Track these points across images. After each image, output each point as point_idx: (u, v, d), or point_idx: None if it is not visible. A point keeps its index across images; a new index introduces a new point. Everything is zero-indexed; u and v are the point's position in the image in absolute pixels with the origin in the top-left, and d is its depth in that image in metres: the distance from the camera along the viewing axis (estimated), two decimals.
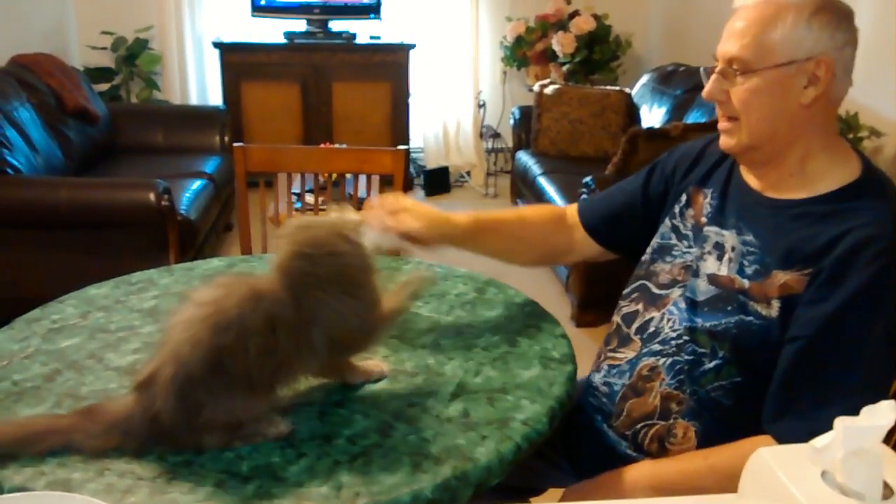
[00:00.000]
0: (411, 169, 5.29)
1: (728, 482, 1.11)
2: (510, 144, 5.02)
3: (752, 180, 1.32)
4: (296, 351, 1.11)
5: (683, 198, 1.42)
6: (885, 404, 0.74)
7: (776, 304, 1.20)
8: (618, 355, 1.39)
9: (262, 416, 1.11)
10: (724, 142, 1.30)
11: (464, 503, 1.05)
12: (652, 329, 1.35)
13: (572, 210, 1.59)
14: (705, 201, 1.37)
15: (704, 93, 1.29)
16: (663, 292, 1.37)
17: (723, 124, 1.29)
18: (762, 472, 0.81)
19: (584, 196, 3.17)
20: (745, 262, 1.25)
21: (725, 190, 1.36)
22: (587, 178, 3.20)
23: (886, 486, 0.75)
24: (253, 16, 5.01)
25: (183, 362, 1.06)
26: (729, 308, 1.25)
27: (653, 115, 4.27)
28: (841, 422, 0.74)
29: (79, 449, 1.06)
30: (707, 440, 1.25)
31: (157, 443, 1.08)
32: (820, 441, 0.76)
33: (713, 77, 1.27)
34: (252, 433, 1.11)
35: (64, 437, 1.07)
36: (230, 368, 1.06)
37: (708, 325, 1.26)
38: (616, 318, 1.45)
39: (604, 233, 1.54)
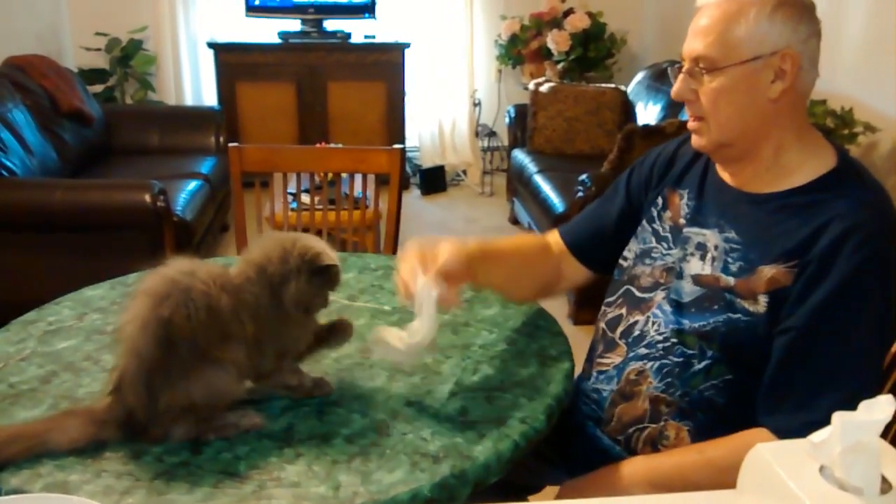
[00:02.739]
0: (407, 168, 5.29)
1: (724, 476, 1.11)
2: (506, 143, 5.02)
3: (727, 177, 1.32)
4: (240, 321, 1.11)
5: (660, 200, 1.41)
6: (882, 399, 0.74)
7: (763, 299, 1.20)
8: (605, 361, 1.38)
9: (236, 408, 1.13)
10: (696, 141, 1.30)
11: (462, 501, 1.05)
12: (637, 333, 1.34)
13: (553, 239, 1.55)
14: (682, 202, 1.37)
15: (673, 93, 1.29)
16: (646, 295, 1.36)
17: (692, 124, 1.29)
18: (760, 467, 0.81)
19: (580, 202, 3.17)
20: (729, 260, 1.25)
21: (702, 189, 1.35)
22: (583, 176, 3.21)
23: (884, 480, 0.75)
24: (247, 16, 5.01)
25: (138, 352, 1.06)
26: (715, 307, 1.24)
27: (648, 113, 4.28)
28: (839, 416, 0.74)
29: (57, 448, 1.06)
30: (701, 439, 1.25)
31: (135, 437, 1.09)
32: (818, 436, 0.76)
33: (680, 77, 1.27)
34: (225, 424, 1.11)
35: (38, 440, 1.06)
36: (176, 338, 1.06)
37: (696, 325, 1.26)
38: (601, 324, 1.44)
39: (593, 252, 1.51)
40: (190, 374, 1.08)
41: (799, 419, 1.13)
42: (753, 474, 0.82)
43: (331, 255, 1.16)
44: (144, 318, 1.07)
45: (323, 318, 1.45)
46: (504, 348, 1.37)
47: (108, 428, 1.09)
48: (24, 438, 1.07)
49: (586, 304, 3.28)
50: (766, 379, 1.19)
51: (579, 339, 1.48)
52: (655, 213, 1.41)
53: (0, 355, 1.34)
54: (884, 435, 0.76)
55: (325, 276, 1.16)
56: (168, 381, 1.07)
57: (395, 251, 2.27)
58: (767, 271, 1.20)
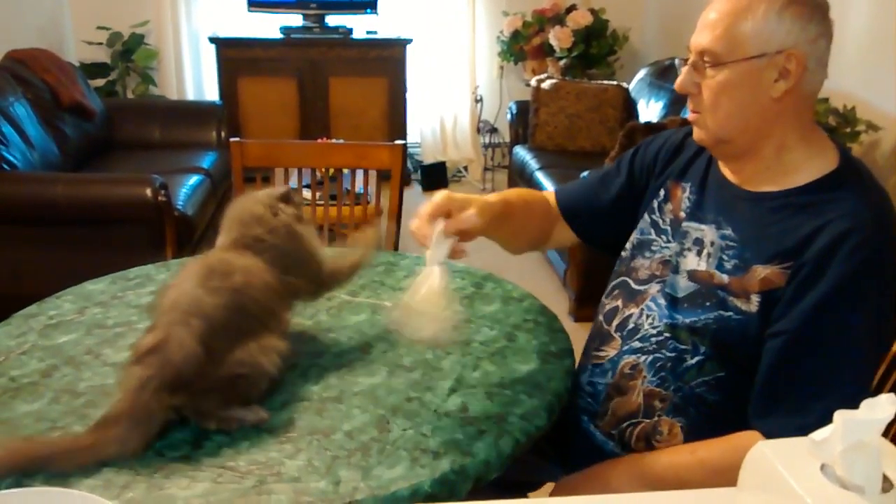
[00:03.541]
0: (409, 164, 5.28)
1: (716, 477, 1.11)
2: (507, 139, 5.01)
3: (729, 173, 1.31)
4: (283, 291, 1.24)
5: (662, 192, 1.40)
6: (884, 398, 0.74)
7: (756, 299, 1.19)
8: (600, 354, 1.38)
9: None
10: (696, 134, 1.29)
11: (462, 497, 1.05)
12: (631, 326, 1.34)
13: (552, 198, 1.56)
14: (684, 195, 1.36)
15: (676, 85, 1.28)
16: (641, 288, 1.35)
17: (691, 116, 1.28)
18: (761, 466, 0.81)
19: None
20: (725, 257, 1.24)
21: (704, 184, 1.34)
22: (584, 173, 3.20)
23: (886, 479, 0.74)
24: (249, 11, 5.00)
25: (206, 314, 1.11)
26: (708, 304, 1.24)
27: (650, 110, 4.27)
28: (840, 415, 0.74)
29: (117, 459, 1.04)
30: (694, 436, 1.25)
31: (175, 406, 1.09)
32: (819, 434, 0.76)
33: (684, 69, 1.26)
34: (231, 417, 1.12)
35: (92, 454, 1.04)
36: (247, 305, 1.15)
37: (688, 321, 1.25)
38: (599, 317, 1.44)
39: (589, 228, 1.52)
40: (257, 339, 1.14)
41: (791, 423, 1.11)
42: (754, 472, 0.82)
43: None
44: (215, 286, 1.14)
45: (324, 314, 1.46)
46: (505, 345, 1.37)
47: (154, 422, 1.07)
48: (83, 451, 1.04)
49: (587, 301, 3.28)
50: (758, 382, 1.18)
51: (580, 336, 1.48)
52: (657, 205, 1.40)
53: (1, 349, 1.34)
54: (885, 434, 0.76)
55: (291, 199, 1.31)
56: (234, 343, 1.12)
57: (396, 247, 2.26)
58: (761, 271, 1.19)
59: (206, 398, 1.10)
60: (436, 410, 1.17)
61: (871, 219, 1.15)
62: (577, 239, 1.55)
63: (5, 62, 3.77)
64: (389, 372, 1.27)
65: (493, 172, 5.33)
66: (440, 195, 1.25)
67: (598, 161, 3.48)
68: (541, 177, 3.99)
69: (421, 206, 1.25)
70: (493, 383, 1.25)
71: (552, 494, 1.38)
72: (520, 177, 4.38)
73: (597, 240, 1.54)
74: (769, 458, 0.80)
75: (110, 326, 1.42)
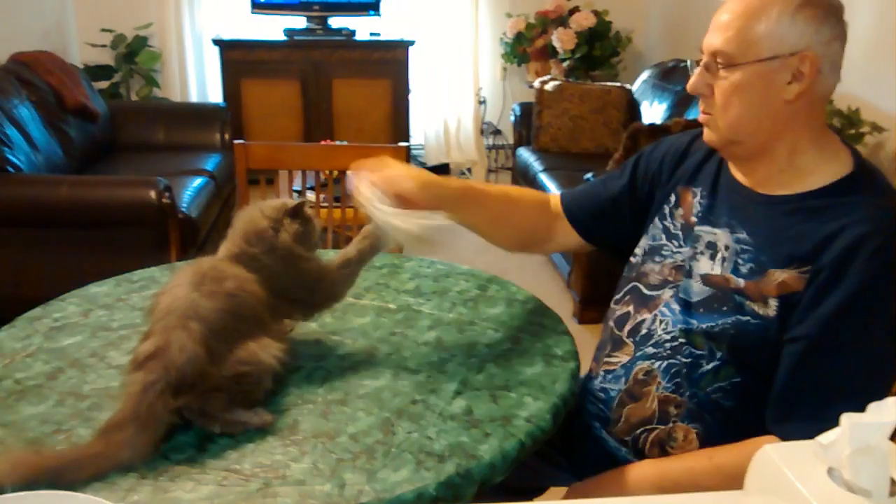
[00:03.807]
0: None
1: (733, 483, 1.09)
2: (511, 141, 5.02)
3: (741, 176, 1.30)
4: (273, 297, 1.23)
5: (672, 198, 1.40)
6: (891, 401, 0.74)
7: (774, 303, 1.18)
8: (612, 360, 1.37)
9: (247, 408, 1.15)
10: (706, 135, 1.29)
11: (467, 501, 1.05)
12: (644, 331, 1.33)
13: (555, 199, 1.56)
14: (695, 200, 1.35)
15: (688, 86, 1.27)
16: (654, 293, 1.35)
17: (703, 118, 1.28)
18: (768, 469, 0.80)
19: None
20: (740, 261, 1.24)
21: (715, 187, 1.34)
22: (588, 175, 3.20)
23: (893, 482, 0.74)
24: (253, 13, 5.01)
25: (204, 317, 1.11)
26: (724, 308, 1.23)
27: (654, 111, 4.27)
28: (847, 418, 0.74)
29: (126, 465, 1.03)
30: (709, 442, 1.24)
31: (179, 409, 1.09)
32: (826, 437, 0.76)
33: (697, 70, 1.25)
34: (236, 420, 1.12)
35: (102, 462, 1.02)
36: (242, 309, 1.16)
37: (704, 326, 1.24)
38: (609, 323, 1.43)
39: (588, 226, 1.52)
40: (255, 340, 1.15)
41: (810, 429, 1.10)
42: (761, 475, 0.82)
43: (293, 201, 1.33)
44: (209, 290, 1.14)
45: (329, 316, 1.45)
46: (509, 347, 1.37)
47: (160, 425, 1.07)
48: (88, 462, 1.02)
49: (591, 303, 3.28)
50: (776, 387, 1.18)
51: (585, 339, 1.48)
52: (668, 211, 1.40)
53: (6, 351, 1.34)
54: (893, 437, 0.76)
55: (301, 213, 1.29)
56: (233, 345, 1.12)
57: (400, 250, 2.26)
58: (778, 275, 1.18)
59: (211, 399, 1.10)
60: (440, 413, 1.17)
61: (887, 223, 1.14)
62: (580, 242, 1.54)
63: (10, 65, 3.77)
64: (394, 374, 1.27)
65: (497, 174, 5.33)
66: (373, 160, 1.33)
67: (601, 162, 3.48)
68: (544, 178, 3.99)
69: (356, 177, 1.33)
70: (498, 386, 1.25)
71: (565, 498, 1.38)
72: (523, 178, 4.38)
73: (594, 238, 1.54)
74: (775, 462, 0.79)
75: (115, 329, 1.42)
